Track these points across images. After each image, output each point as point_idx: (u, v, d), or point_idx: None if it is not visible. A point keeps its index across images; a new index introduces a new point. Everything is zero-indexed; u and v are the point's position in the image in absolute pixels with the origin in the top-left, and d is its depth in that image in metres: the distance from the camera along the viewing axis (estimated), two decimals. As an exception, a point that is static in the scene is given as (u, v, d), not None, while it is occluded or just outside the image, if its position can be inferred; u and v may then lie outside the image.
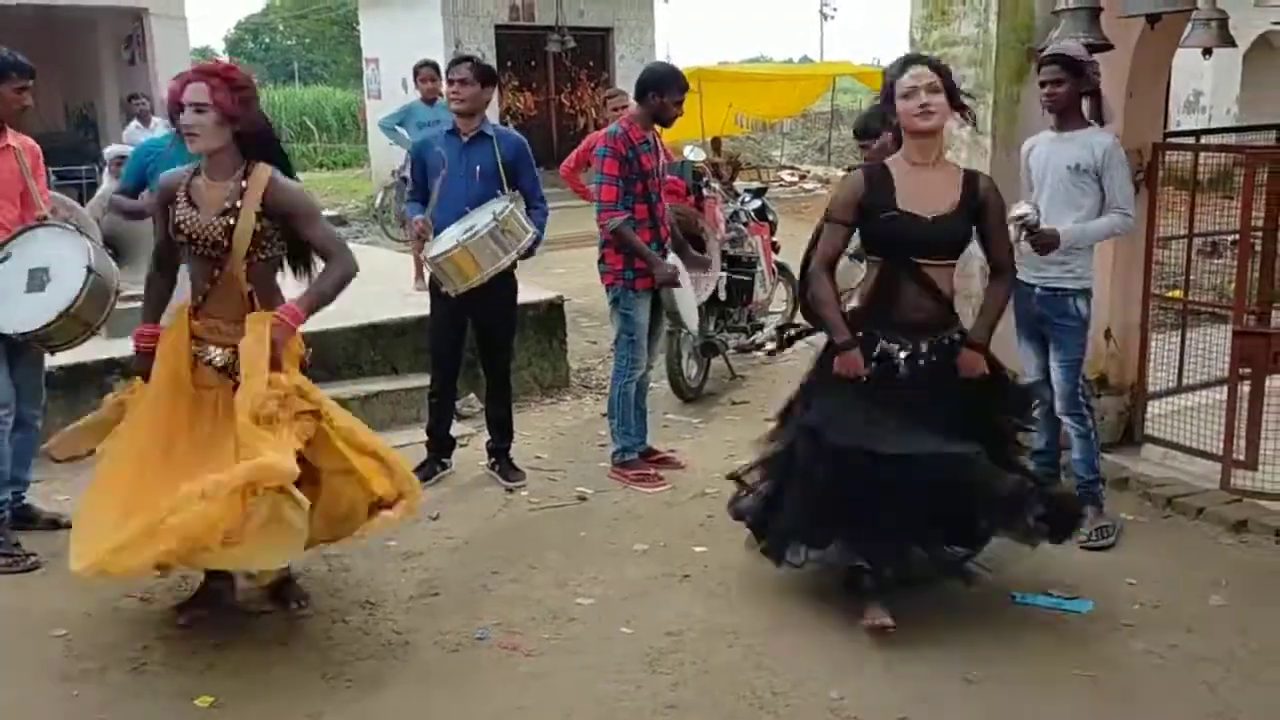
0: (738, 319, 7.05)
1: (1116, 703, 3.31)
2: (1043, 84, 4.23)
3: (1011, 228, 4.06)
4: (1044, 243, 4.11)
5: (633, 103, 5.35)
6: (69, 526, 4.50)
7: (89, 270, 3.99)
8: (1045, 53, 4.29)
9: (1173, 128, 5.78)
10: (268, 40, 48.25)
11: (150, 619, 3.77)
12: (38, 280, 4.01)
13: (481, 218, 4.66)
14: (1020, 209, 4.14)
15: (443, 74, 6.20)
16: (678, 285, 5.07)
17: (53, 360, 4.62)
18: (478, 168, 4.85)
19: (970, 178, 3.70)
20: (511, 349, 5.27)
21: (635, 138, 4.91)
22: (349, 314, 6.22)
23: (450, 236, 4.68)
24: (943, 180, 3.65)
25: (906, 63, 3.67)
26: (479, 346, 5.16)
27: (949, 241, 3.63)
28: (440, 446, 5.21)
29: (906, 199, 3.59)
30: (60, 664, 3.52)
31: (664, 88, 4.91)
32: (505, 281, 4.90)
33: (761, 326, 7.48)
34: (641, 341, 5.10)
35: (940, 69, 3.65)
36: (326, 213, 16.64)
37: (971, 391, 3.72)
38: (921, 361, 3.66)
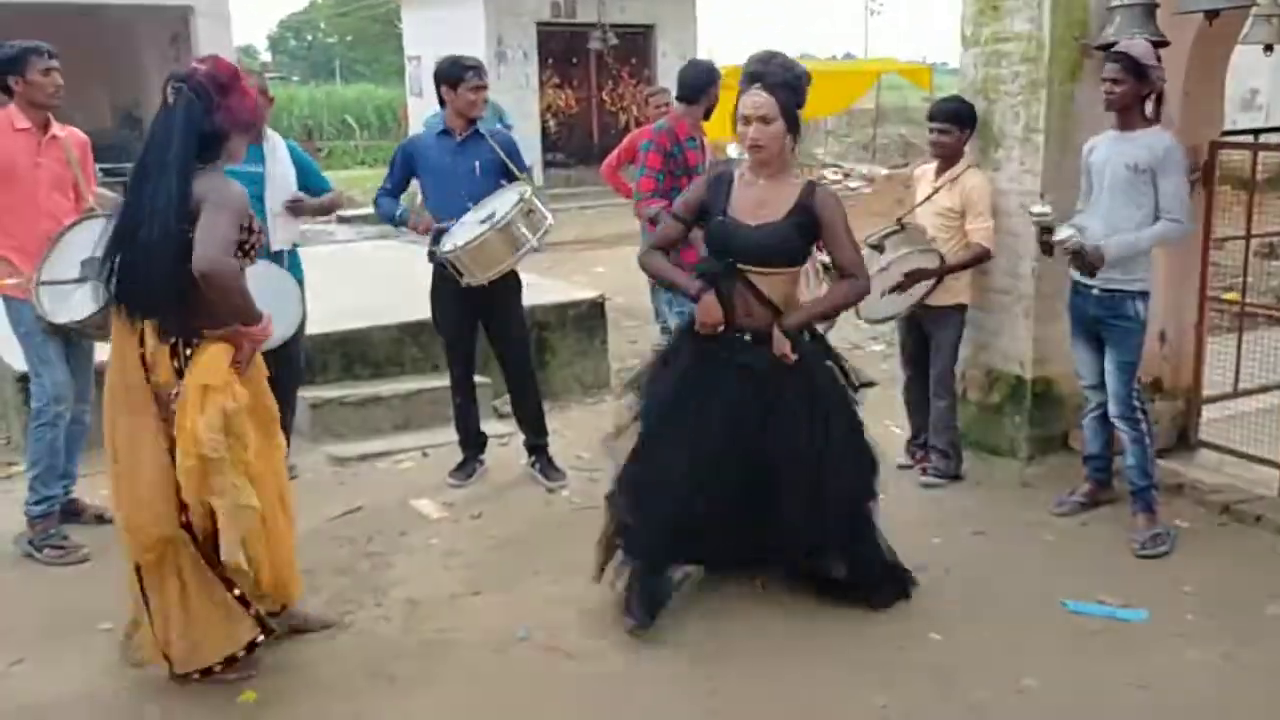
0: (780, 319, 6.99)
1: (1171, 714, 3.23)
2: (1104, 80, 4.17)
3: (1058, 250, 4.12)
4: (1090, 263, 4.10)
5: (676, 102, 5.33)
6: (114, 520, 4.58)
7: None
8: (1112, 49, 4.22)
9: (1228, 126, 5.64)
10: (310, 38, 48.76)
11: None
12: (90, 270, 4.04)
13: (502, 204, 4.61)
14: (1062, 233, 4.16)
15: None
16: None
17: (98, 356, 4.67)
18: (476, 164, 4.83)
19: (808, 189, 3.61)
20: (528, 344, 5.24)
21: (682, 134, 4.92)
22: (392, 311, 6.26)
23: (470, 226, 4.64)
24: (779, 191, 3.59)
25: (750, 79, 3.53)
26: (494, 346, 5.13)
27: (769, 250, 3.57)
28: (473, 443, 5.20)
29: (738, 207, 3.58)
30: (107, 658, 3.54)
31: (715, 79, 5.05)
32: (511, 275, 4.85)
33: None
34: None
35: (780, 88, 3.50)
36: (366, 211, 16.70)
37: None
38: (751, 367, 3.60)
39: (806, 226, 3.57)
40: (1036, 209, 4.31)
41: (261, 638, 3.37)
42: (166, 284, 3.13)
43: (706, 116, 5.09)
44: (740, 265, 3.57)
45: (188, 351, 3.20)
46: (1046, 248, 4.33)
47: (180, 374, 3.19)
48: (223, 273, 3.06)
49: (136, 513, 3.23)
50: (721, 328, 3.58)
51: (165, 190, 3.10)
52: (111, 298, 3.28)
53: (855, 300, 3.81)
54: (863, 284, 3.70)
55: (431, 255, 4.84)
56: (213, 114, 3.14)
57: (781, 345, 3.56)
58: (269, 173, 4.65)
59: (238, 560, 3.18)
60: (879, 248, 4.73)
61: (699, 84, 4.97)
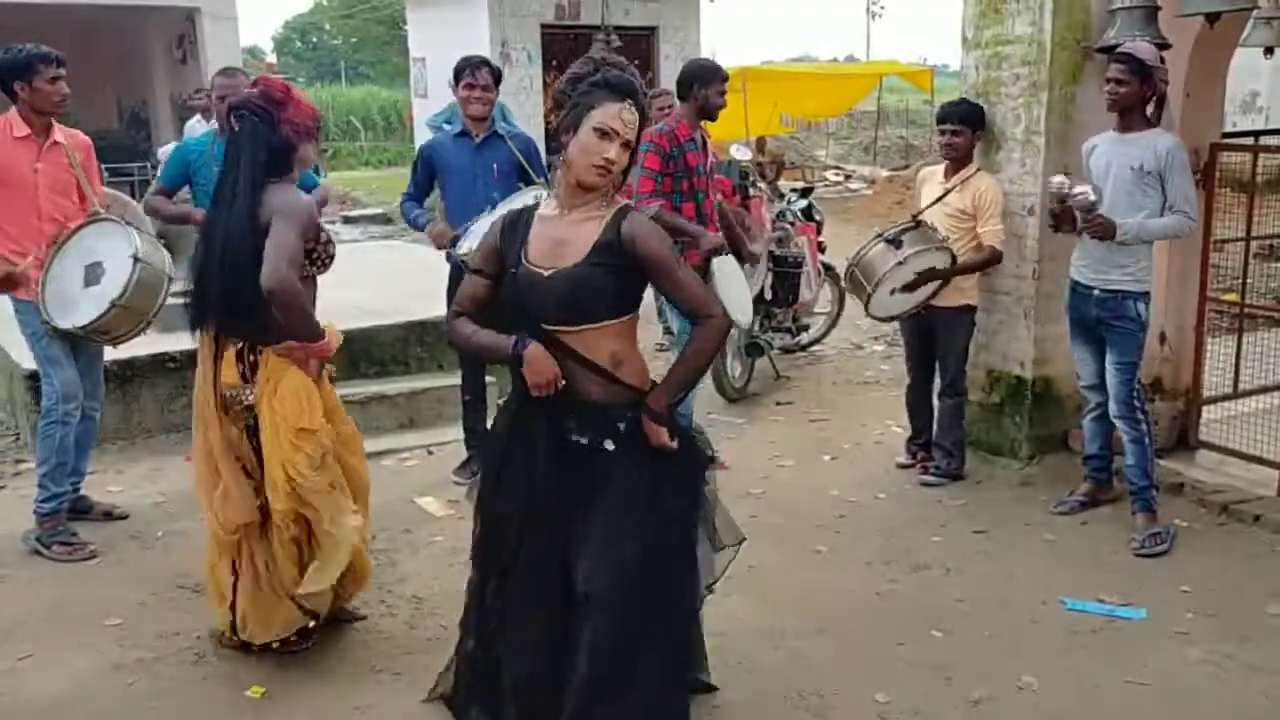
0: (783, 319, 7.02)
1: (1170, 713, 3.25)
2: (1108, 80, 4.20)
3: (1071, 208, 4.06)
4: (1097, 224, 4.11)
5: (676, 102, 5.36)
6: (123, 518, 4.63)
7: (135, 259, 4.02)
8: (1117, 50, 4.25)
9: (1229, 128, 5.67)
10: (315, 39, 48.83)
11: (203, 609, 3.79)
12: (94, 274, 4.07)
13: (520, 205, 4.63)
14: (1078, 189, 4.15)
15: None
16: (725, 254, 5.04)
17: (105, 355, 4.70)
18: (494, 166, 4.89)
19: (615, 220, 2.76)
20: None
21: (681, 135, 4.93)
22: (396, 311, 6.29)
23: (484, 230, 4.65)
24: (581, 228, 2.77)
25: (621, 92, 2.71)
26: None
27: (571, 302, 2.73)
28: (478, 441, 5.23)
29: (534, 252, 2.81)
30: (114, 653, 3.57)
31: (705, 80, 4.98)
32: None
33: (807, 327, 7.45)
34: None
35: (644, 115, 2.77)
36: (371, 211, 16.80)
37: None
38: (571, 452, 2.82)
39: (619, 269, 2.73)
40: (1057, 179, 4.28)
41: (312, 623, 3.52)
42: (235, 293, 3.27)
43: (711, 117, 5.09)
44: (545, 326, 2.78)
45: (252, 357, 3.36)
46: (1057, 217, 4.34)
47: (244, 377, 3.36)
48: (289, 290, 3.20)
49: (224, 509, 3.44)
50: (562, 382, 2.75)
51: (238, 206, 3.26)
52: (191, 317, 3.45)
53: (721, 343, 2.96)
54: (720, 322, 2.85)
55: (448, 255, 4.89)
56: (278, 128, 3.29)
57: (658, 436, 2.78)
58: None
59: (318, 588, 3.40)
60: (896, 242, 4.76)
61: (686, 80, 5.00)
